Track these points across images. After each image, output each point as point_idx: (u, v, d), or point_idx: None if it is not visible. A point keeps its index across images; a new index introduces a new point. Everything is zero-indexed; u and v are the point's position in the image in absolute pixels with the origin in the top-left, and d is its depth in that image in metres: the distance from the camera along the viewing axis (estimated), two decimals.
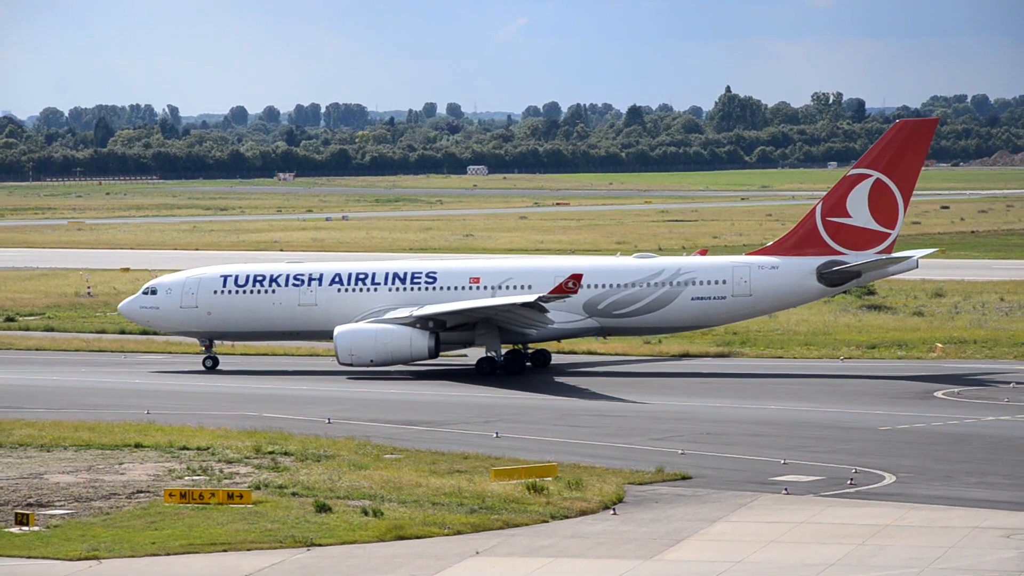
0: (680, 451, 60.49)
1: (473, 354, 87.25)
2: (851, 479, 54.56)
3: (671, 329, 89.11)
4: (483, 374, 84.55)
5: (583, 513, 49.81)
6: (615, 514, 49.78)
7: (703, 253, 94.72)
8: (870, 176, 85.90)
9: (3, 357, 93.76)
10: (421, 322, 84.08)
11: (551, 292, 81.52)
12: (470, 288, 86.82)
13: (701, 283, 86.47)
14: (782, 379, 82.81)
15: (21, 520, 47.63)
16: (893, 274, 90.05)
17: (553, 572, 43.12)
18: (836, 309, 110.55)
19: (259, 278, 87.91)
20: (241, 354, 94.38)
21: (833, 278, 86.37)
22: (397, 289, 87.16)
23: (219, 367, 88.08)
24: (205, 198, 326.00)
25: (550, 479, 53.39)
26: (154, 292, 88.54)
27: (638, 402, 74.71)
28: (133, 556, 44.51)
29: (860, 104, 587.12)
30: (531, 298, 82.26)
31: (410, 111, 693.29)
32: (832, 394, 77.05)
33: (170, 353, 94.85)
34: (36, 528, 47.24)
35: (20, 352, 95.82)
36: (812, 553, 44.40)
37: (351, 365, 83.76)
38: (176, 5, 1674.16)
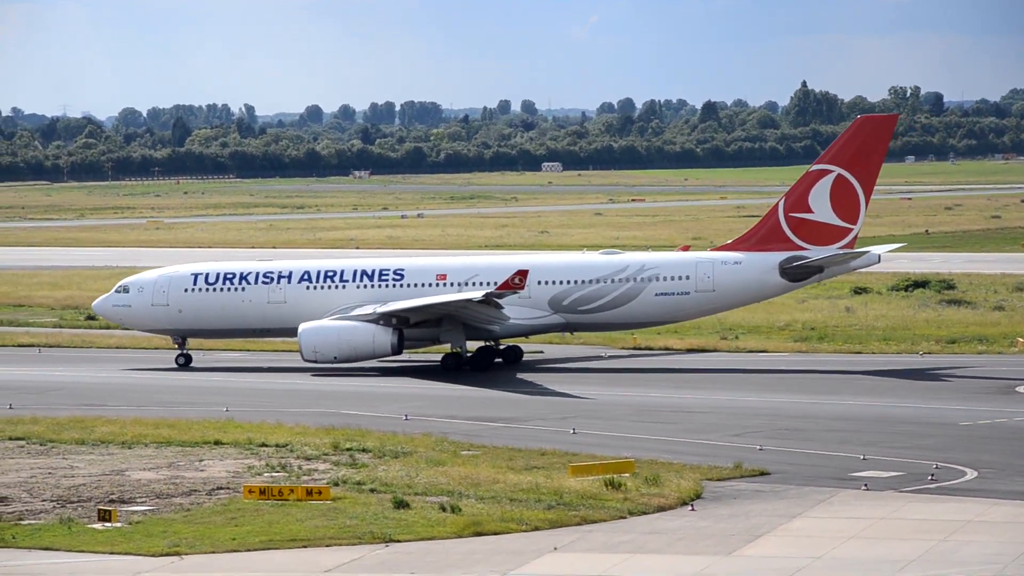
0: (759, 447, 60.22)
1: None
2: (932, 475, 54.12)
3: (635, 325, 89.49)
4: (448, 370, 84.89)
5: (661, 509, 49.69)
6: (693, 510, 49.63)
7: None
8: (832, 172, 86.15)
9: (85, 355, 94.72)
10: (384, 319, 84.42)
11: (498, 288, 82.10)
12: (437, 285, 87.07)
13: (664, 279, 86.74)
14: (861, 374, 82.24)
15: (104, 516, 48.09)
16: (855, 269, 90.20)
17: (631, 568, 43.03)
18: (915, 304, 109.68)
19: (229, 276, 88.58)
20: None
21: (795, 273, 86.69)
22: (365, 286, 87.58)
23: (193, 364, 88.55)
24: (281, 196, 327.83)
25: (627, 475, 53.30)
26: (126, 290, 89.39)
27: (715, 398, 74.43)
28: (214, 552, 44.83)
29: (938, 98, 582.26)
30: (479, 294, 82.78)
31: (485, 108, 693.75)
32: (912, 389, 76.45)
33: (248, 351, 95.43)
34: (118, 524, 47.67)
35: (101, 350, 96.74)
36: (892, 549, 44.07)
37: (315, 362, 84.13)
38: (253, 5, 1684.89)
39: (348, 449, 59.41)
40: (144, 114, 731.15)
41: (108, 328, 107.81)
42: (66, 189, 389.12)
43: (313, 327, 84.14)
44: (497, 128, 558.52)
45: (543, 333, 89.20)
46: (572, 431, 64.66)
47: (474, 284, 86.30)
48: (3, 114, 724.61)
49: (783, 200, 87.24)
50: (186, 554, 44.56)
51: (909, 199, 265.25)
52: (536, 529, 47.16)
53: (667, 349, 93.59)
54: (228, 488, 52.79)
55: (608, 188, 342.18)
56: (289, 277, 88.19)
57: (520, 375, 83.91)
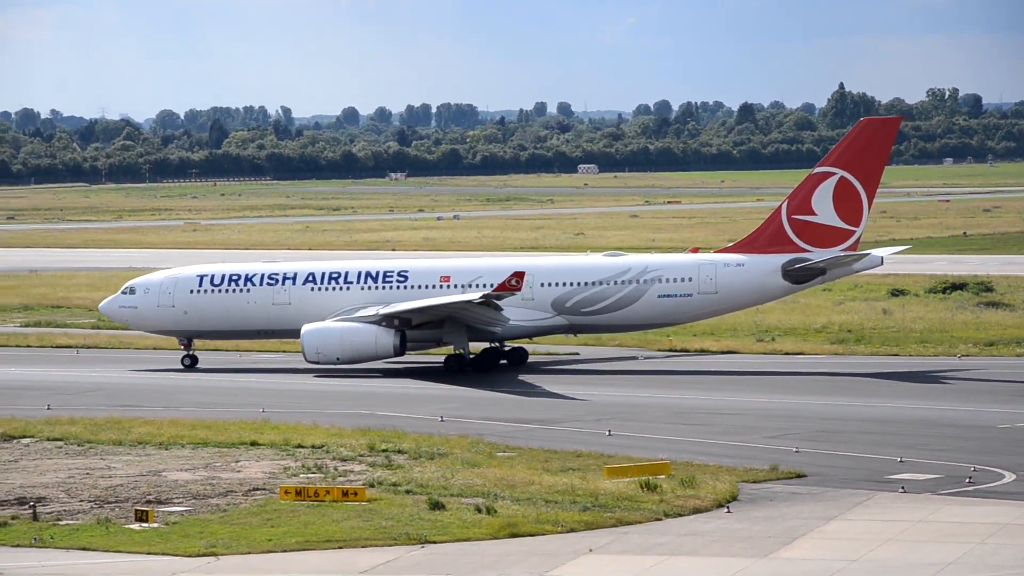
0: (795, 449, 60.05)
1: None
2: (969, 477, 53.86)
3: (638, 327, 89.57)
4: (451, 371, 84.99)
5: (697, 511, 49.60)
6: (729, 512, 49.52)
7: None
8: (834, 174, 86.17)
9: (121, 356, 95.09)
10: (387, 320, 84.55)
11: (495, 290, 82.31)
12: (441, 287, 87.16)
13: (667, 281, 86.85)
14: (898, 377, 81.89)
15: (141, 517, 48.28)
16: (858, 271, 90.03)
17: (667, 570, 42.96)
18: (953, 307, 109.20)
19: (234, 278, 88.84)
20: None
21: (798, 275, 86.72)
22: (369, 288, 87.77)
23: (199, 365, 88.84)
24: (318, 198, 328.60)
25: (663, 477, 53.23)
26: (133, 291, 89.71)
27: (751, 400, 74.24)
28: (250, 553, 44.95)
29: (976, 100, 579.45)
30: (477, 296, 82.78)
31: (520, 110, 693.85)
32: (949, 392, 76.12)
33: (284, 352, 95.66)
34: (155, 525, 47.85)
35: (138, 351, 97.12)
36: (930, 552, 43.88)
37: (318, 363, 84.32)
38: (289, 7, 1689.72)
39: (384, 450, 59.49)
40: (181, 116, 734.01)
41: None
42: (104, 191, 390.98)
43: (316, 328, 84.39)
44: (533, 130, 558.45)
45: (547, 335, 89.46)
46: (608, 433, 64.61)
47: (477, 286, 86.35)
48: (42, 116, 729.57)
49: (786, 202, 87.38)
50: (222, 555, 44.69)
51: (947, 201, 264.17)
52: (571, 531, 47.14)
53: (703, 351, 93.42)
54: (264, 489, 52.92)
55: (644, 190, 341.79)
56: (294, 279, 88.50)
57: (554, 377, 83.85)
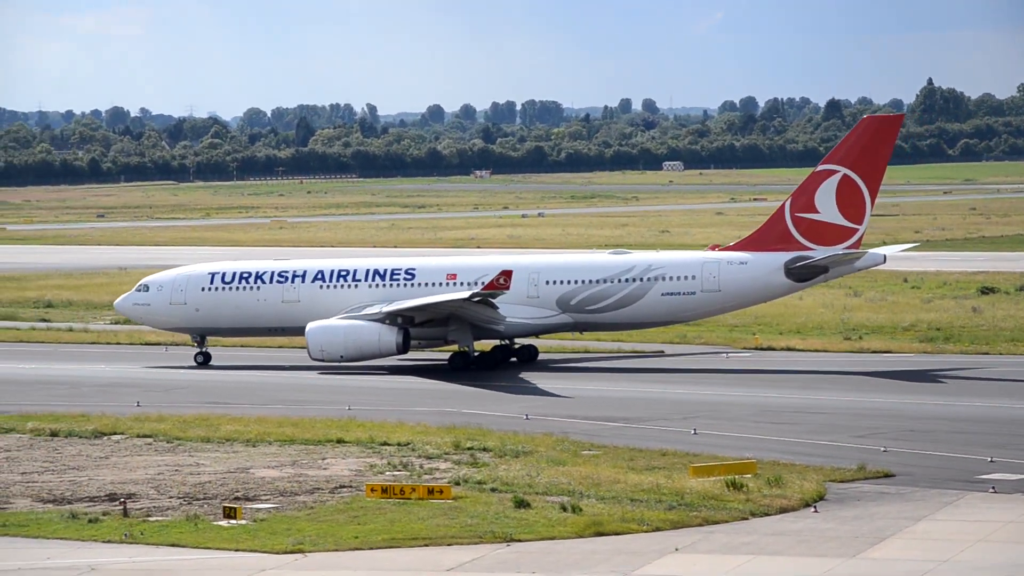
0: (883, 448, 59.57)
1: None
2: None
3: (642, 325, 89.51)
4: (456, 369, 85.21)
5: (783, 510, 49.32)
6: (816, 512, 49.20)
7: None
8: (837, 172, 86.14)
9: (225, 354, 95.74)
10: (390, 318, 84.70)
11: (484, 288, 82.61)
12: (447, 284, 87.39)
13: (671, 279, 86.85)
14: (987, 376, 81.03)
15: (229, 514, 48.64)
16: (860, 269, 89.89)
17: (753, 570, 42.75)
18: None
19: (245, 275, 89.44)
20: (441, 349, 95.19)
21: (801, 273, 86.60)
22: (377, 286, 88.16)
23: (212, 362, 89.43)
24: (403, 196, 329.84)
25: (749, 476, 52.97)
26: (146, 289, 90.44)
27: (838, 399, 73.72)
28: (337, 550, 45.18)
29: None
30: (465, 294, 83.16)
31: (605, 107, 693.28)
32: None
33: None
34: (243, 521, 48.19)
35: (226, 348, 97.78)
36: (1021, 553, 43.37)
37: (322, 361, 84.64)
38: (376, 6, 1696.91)
39: (469, 448, 59.59)
40: (268, 114, 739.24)
41: None
42: (192, 189, 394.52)
43: (320, 326, 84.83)
44: (618, 127, 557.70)
45: (551, 333, 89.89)
46: (693, 431, 64.39)
47: (483, 284, 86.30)
48: (132, 115, 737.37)
49: (789, 200, 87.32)
50: (310, 551, 44.95)
51: None
52: (657, 530, 47.01)
53: (789, 349, 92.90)
54: (351, 486, 53.18)
55: (730, 187, 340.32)
56: (303, 276, 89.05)
57: (640, 376, 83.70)
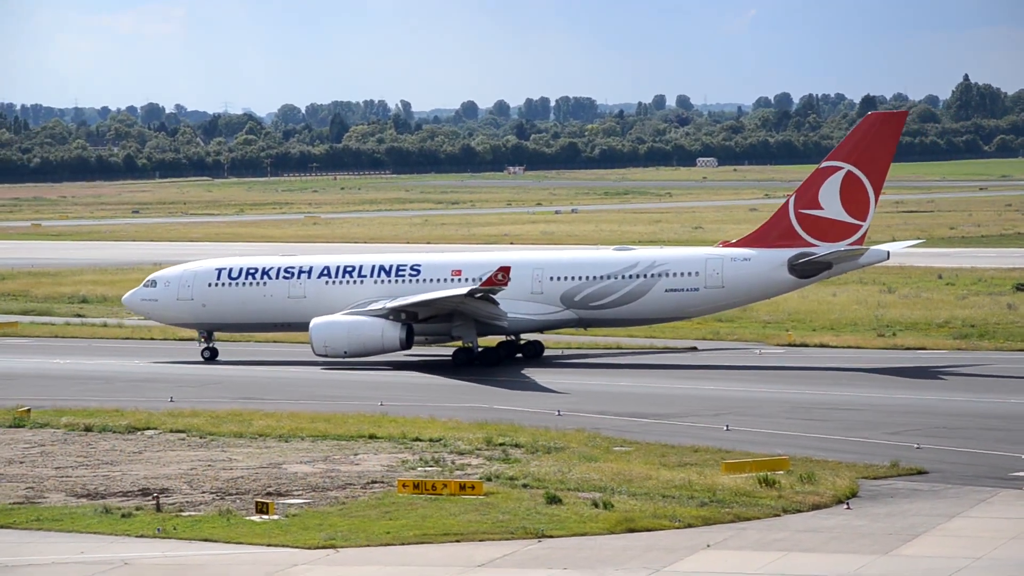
0: (916, 445, 59.35)
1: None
2: None
3: (646, 321, 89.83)
4: (459, 364, 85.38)
5: (816, 507, 49.19)
6: (849, 508, 49.06)
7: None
8: (841, 169, 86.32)
9: (243, 349, 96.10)
10: (394, 314, 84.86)
11: (482, 285, 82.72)
12: (452, 280, 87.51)
13: (674, 275, 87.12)
14: (1022, 373, 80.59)
15: (261, 509, 48.78)
16: (864, 265, 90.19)
17: (786, 566, 42.64)
18: None
19: (251, 271, 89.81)
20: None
21: (804, 269, 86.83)
22: (382, 282, 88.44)
23: (219, 357, 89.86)
24: (437, 192, 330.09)
25: (781, 472, 52.84)
26: (154, 284, 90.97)
27: (871, 395, 73.47)
28: (369, 545, 45.25)
29: None
30: (464, 290, 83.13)
31: (639, 104, 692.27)
32: None
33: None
34: (276, 517, 48.31)
35: (258, 344, 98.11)
36: None
37: (325, 356, 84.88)
38: (409, 2, 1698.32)
39: (501, 444, 59.61)
40: (303, 111, 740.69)
41: None
42: (226, 185, 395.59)
43: (323, 322, 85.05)
44: (652, 123, 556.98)
45: (556, 329, 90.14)
46: (725, 428, 64.27)
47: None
48: (167, 111, 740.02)
49: (794, 197, 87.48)
50: (342, 547, 45.03)
51: None
52: (689, 526, 46.94)
53: (823, 346, 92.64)
54: (382, 482, 53.25)
55: (764, 183, 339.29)
56: (309, 272, 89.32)
57: (670, 372, 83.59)
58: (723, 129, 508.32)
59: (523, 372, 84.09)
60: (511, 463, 56.00)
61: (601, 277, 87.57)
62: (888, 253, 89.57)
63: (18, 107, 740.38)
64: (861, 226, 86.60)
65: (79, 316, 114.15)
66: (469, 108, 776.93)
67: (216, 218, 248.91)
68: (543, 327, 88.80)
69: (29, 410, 67.98)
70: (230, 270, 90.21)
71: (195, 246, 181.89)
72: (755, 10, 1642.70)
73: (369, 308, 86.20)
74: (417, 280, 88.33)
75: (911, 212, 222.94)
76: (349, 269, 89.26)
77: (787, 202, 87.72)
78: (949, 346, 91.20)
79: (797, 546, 44.55)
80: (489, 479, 53.03)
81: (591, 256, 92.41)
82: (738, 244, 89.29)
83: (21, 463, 57.60)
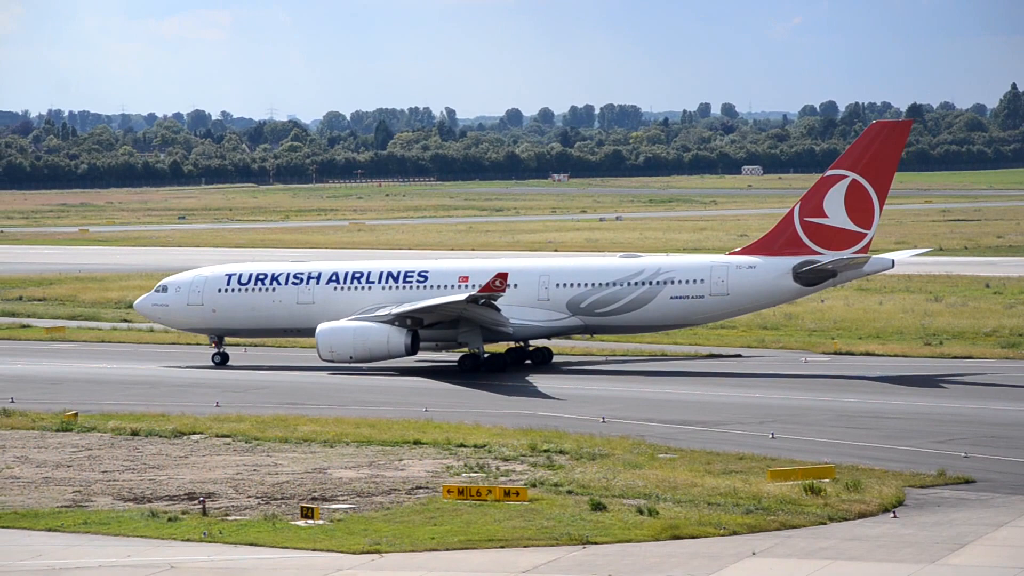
0: (963, 454, 59.01)
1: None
2: None
3: (652, 328, 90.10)
4: (465, 370, 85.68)
5: (862, 515, 48.98)
6: (895, 517, 48.83)
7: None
8: (846, 177, 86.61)
9: (288, 355, 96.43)
10: (399, 320, 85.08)
11: (480, 291, 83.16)
12: (459, 287, 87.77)
13: (680, 282, 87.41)
14: None
15: (306, 514, 48.89)
16: (868, 274, 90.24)
17: (831, 575, 42.46)
18: None
19: (261, 277, 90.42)
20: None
21: (809, 277, 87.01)
22: (390, 288, 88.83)
23: (230, 362, 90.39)
24: (481, 199, 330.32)
25: (827, 480, 52.63)
26: (165, 290, 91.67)
27: (918, 403, 73.09)
28: (413, 551, 45.29)
29: None
30: (461, 296, 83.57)
31: (684, 111, 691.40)
32: None
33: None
34: (321, 522, 48.42)
35: (304, 350, 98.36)
36: None
37: (331, 361, 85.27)
38: (454, 9, 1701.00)
39: (545, 450, 59.58)
40: (348, 117, 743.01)
41: None
42: (271, 191, 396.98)
43: (330, 327, 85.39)
44: (697, 131, 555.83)
45: (562, 335, 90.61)
46: (771, 436, 64.06)
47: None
48: (213, 118, 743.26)
49: (799, 205, 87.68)
50: (386, 552, 45.09)
51: None
52: (734, 533, 46.81)
53: (868, 354, 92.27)
54: (427, 488, 53.30)
55: None
56: (318, 278, 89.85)
57: (717, 380, 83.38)
58: (768, 137, 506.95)
59: (564, 380, 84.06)
60: (555, 469, 55.96)
61: (607, 284, 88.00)
62: (893, 261, 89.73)
63: (66, 113, 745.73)
64: (866, 234, 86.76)
65: (125, 321, 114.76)
66: (514, 115, 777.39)
67: (261, 224, 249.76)
68: (550, 333, 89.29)
69: (76, 414, 68.40)
70: (240, 276, 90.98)
71: (240, 252, 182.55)
72: (800, 17, 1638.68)
73: (376, 314, 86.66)
74: (425, 286, 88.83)
75: (958, 221, 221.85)
76: (357, 275, 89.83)
77: (792, 210, 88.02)
78: (997, 355, 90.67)
79: (843, 554, 44.37)
80: (534, 485, 53.02)
81: (597, 263, 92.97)
82: (743, 252, 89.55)
83: (69, 467, 57.94)
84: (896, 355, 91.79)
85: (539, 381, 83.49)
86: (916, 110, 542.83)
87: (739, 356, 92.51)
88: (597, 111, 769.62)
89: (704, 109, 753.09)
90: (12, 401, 74.17)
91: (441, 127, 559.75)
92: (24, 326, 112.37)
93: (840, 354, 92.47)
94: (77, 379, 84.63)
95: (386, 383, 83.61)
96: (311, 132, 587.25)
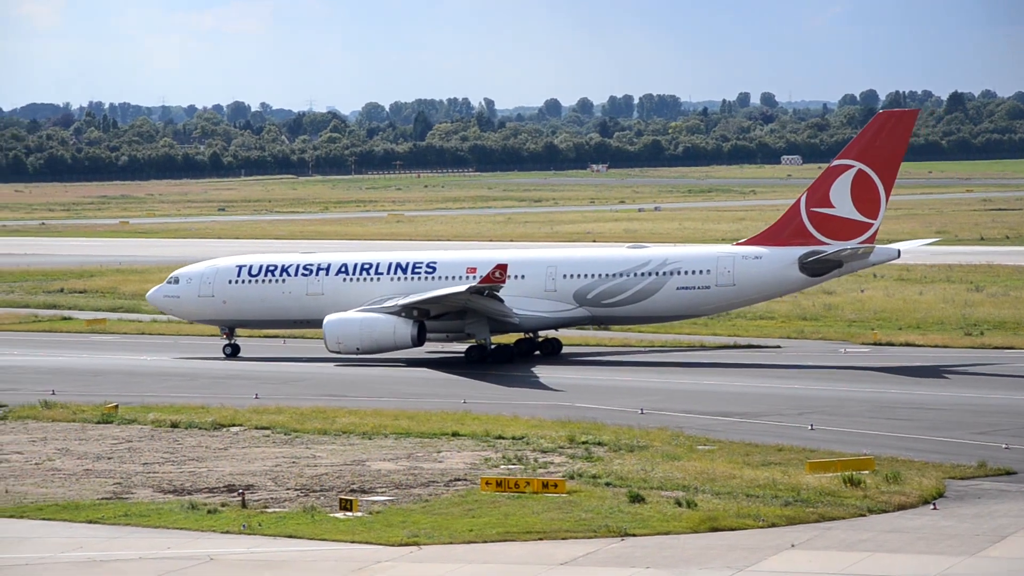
0: (1004, 445, 58.71)
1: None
2: None
3: (658, 319, 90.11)
4: (472, 362, 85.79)
5: (901, 507, 48.80)
6: (935, 509, 48.63)
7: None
8: (852, 167, 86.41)
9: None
10: (406, 311, 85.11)
11: (480, 282, 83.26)
12: (468, 278, 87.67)
13: (686, 273, 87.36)
14: None
15: (345, 506, 49.01)
16: (875, 264, 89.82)
17: (871, 567, 42.32)
18: None
19: (271, 268, 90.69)
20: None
21: (815, 268, 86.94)
22: (399, 279, 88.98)
23: (241, 354, 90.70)
24: (519, 190, 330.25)
25: (867, 472, 52.46)
26: (177, 281, 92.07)
27: (958, 394, 72.75)
28: (451, 543, 45.35)
29: None
30: (462, 288, 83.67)
31: (724, 101, 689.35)
32: None
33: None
34: (359, 514, 48.53)
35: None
36: None
37: (339, 353, 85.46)
38: (493, 0, 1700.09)
39: (584, 442, 59.57)
40: (386, 109, 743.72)
41: None
42: (311, 183, 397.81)
43: (337, 319, 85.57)
44: (736, 121, 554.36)
45: (569, 326, 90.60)
46: (810, 427, 63.88)
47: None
48: (252, 110, 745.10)
49: (805, 195, 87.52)
50: (425, 544, 45.16)
51: None
52: (773, 526, 46.71)
53: (908, 344, 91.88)
54: (465, 479, 53.36)
55: None
56: (327, 269, 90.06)
57: (755, 371, 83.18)
58: (808, 127, 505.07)
59: (602, 371, 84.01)
60: (594, 461, 55.95)
61: (613, 275, 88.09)
62: (899, 252, 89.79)
63: (107, 106, 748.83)
64: (872, 224, 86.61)
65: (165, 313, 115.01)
66: (552, 106, 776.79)
67: (300, 216, 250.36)
68: (556, 324, 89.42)
69: (117, 406, 68.76)
70: (250, 267, 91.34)
71: (279, 243, 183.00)
72: (840, 6, 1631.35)
73: (383, 305, 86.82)
74: (433, 277, 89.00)
75: (1000, 210, 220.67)
76: (366, 267, 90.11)
77: (799, 200, 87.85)
78: None
79: (882, 546, 44.21)
80: (572, 477, 53.02)
81: (604, 254, 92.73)
82: (750, 242, 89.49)
83: (109, 459, 58.25)
84: (936, 345, 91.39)
85: (576, 373, 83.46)
86: (957, 98, 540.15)
87: (778, 347, 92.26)
88: (636, 101, 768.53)
89: (743, 99, 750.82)
90: (53, 393, 74.62)
91: (480, 118, 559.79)
92: (65, 318, 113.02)
93: (880, 345, 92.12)
94: (118, 371, 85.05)
95: (424, 375, 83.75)
96: (350, 123, 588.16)
